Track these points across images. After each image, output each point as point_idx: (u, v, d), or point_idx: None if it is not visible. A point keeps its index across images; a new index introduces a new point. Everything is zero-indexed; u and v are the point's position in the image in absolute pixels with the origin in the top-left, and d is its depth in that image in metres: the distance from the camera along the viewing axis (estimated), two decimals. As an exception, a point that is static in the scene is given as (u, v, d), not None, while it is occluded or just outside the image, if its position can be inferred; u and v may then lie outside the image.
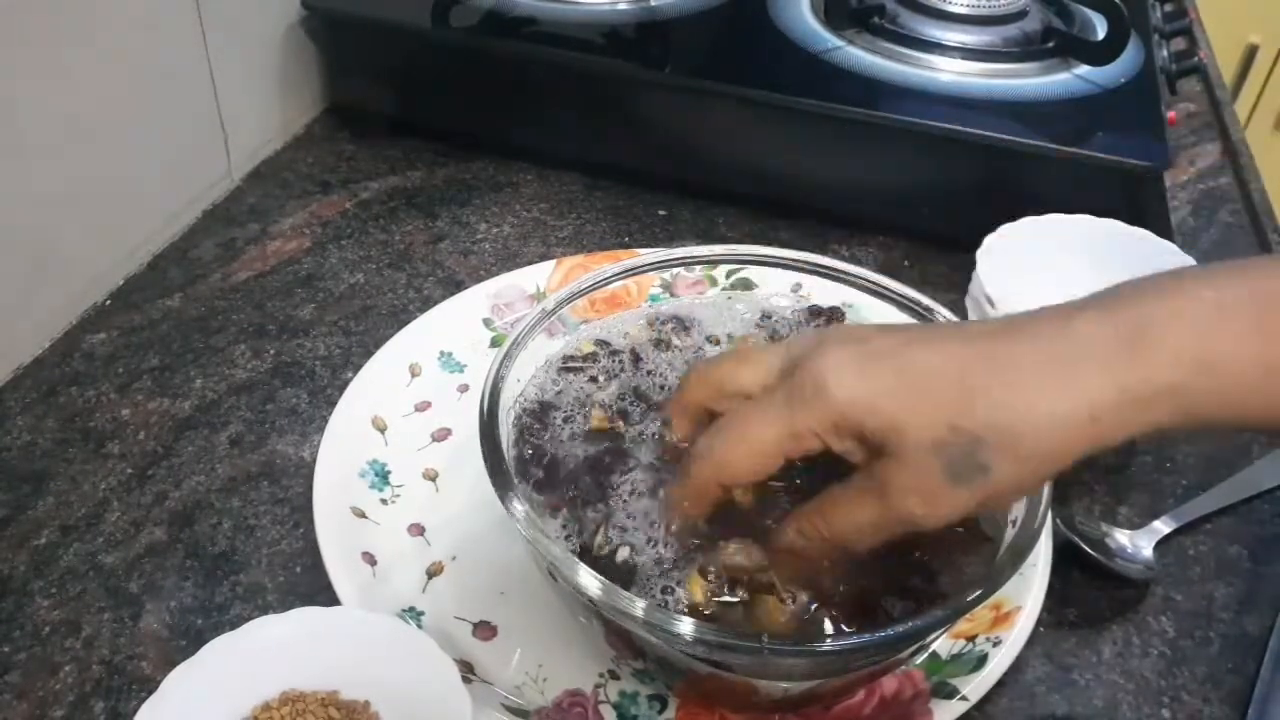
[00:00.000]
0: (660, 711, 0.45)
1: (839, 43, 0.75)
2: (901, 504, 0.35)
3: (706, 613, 0.39)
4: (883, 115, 0.68)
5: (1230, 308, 0.34)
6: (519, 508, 0.39)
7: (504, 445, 0.43)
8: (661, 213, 0.76)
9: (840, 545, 0.38)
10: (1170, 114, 0.70)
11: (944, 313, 0.47)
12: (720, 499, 0.39)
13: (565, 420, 0.46)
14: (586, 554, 0.40)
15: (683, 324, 0.50)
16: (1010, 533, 0.40)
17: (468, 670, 0.45)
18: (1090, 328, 0.34)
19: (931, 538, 0.40)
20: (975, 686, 0.44)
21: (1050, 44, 0.74)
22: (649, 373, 0.48)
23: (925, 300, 0.48)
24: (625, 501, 0.42)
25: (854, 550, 0.38)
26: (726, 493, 0.39)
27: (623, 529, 0.41)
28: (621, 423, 0.46)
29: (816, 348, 0.37)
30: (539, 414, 0.46)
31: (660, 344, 0.49)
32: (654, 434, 0.45)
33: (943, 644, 0.46)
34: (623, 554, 0.40)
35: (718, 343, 0.50)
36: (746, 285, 0.53)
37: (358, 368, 0.59)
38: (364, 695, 0.42)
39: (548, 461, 0.44)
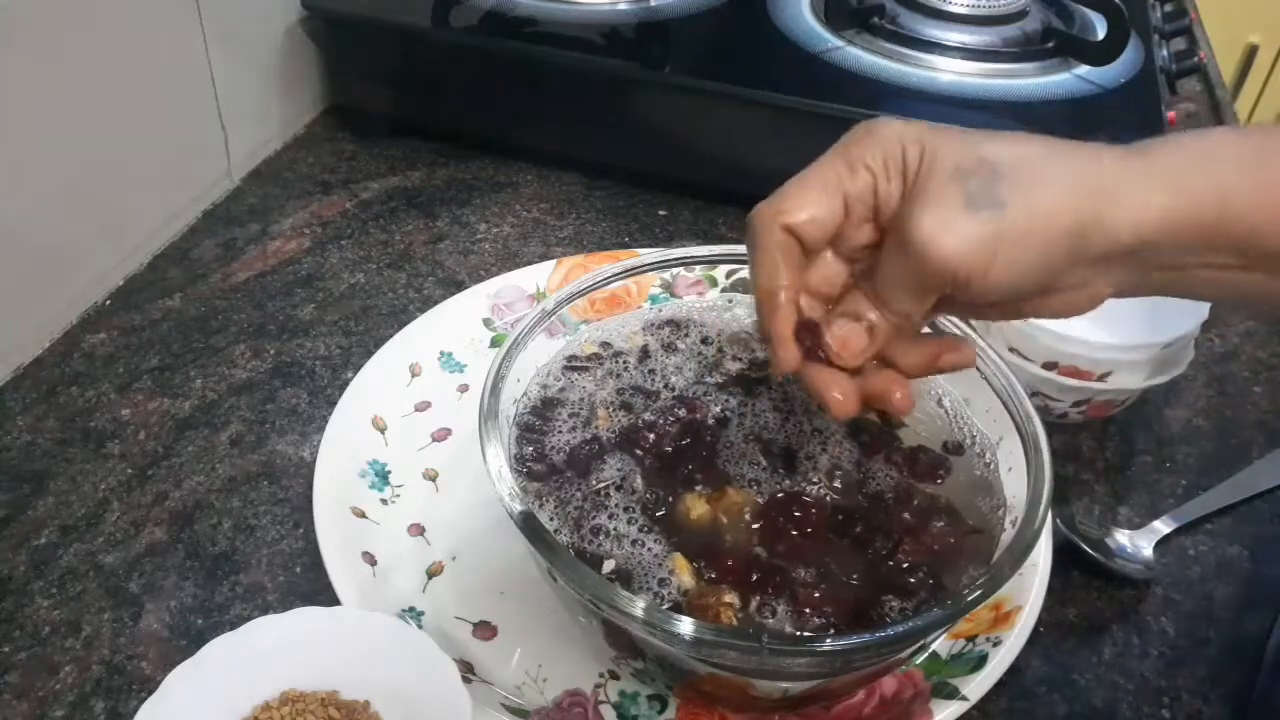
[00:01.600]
0: (660, 711, 0.45)
1: (839, 43, 0.75)
2: (922, 237, 0.35)
3: (704, 596, 0.39)
4: (883, 115, 0.68)
5: (1232, 144, 0.36)
6: (519, 508, 0.39)
7: (504, 445, 0.43)
8: (661, 213, 0.76)
9: (882, 322, 0.38)
10: (1170, 114, 0.70)
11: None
12: (791, 248, 0.39)
13: (568, 417, 0.46)
14: (581, 557, 0.40)
15: (680, 327, 0.50)
16: (1010, 533, 0.40)
17: (468, 670, 0.45)
18: (1118, 149, 0.36)
19: (923, 538, 0.41)
20: (975, 686, 0.44)
21: (1050, 44, 0.74)
22: (651, 371, 0.48)
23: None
24: (616, 505, 0.42)
25: (903, 319, 0.38)
26: (788, 236, 0.39)
27: (609, 534, 0.41)
28: (624, 418, 0.46)
29: (862, 122, 0.39)
30: (540, 411, 0.46)
31: (666, 347, 0.49)
32: (652, 436, 0.45)
33: (943, 644, 0.46)
34: (607, 566, 0.40)
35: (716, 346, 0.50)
36: (746, 286, 0.53)
37: (358, 368, 0.59)
38: (364, 695, 0.42)
39: (546, 459, 0.44)
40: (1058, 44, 0.74)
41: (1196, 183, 0.35)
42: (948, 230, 0.35)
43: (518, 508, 0.39)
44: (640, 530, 0.41)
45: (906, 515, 0.42)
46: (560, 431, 0.45)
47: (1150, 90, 0.72)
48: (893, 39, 0.74)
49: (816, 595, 0.39)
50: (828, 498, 0.43)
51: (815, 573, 0.40)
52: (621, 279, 0.50)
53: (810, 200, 0.38)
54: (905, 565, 0.40)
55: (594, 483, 0.43)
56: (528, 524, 0.39)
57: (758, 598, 0.39)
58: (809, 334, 0.39)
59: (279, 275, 0.69)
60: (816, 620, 0.38)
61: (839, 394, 0.39)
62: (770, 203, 0.39)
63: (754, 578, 0.39)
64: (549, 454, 0.45)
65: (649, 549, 0.41)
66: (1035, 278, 0.36)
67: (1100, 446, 0.59)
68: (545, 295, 0.63)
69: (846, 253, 0.39)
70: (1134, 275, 0.37)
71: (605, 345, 0.49)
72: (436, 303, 0.63)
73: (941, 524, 0.42)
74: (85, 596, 0.49)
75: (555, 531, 0.41)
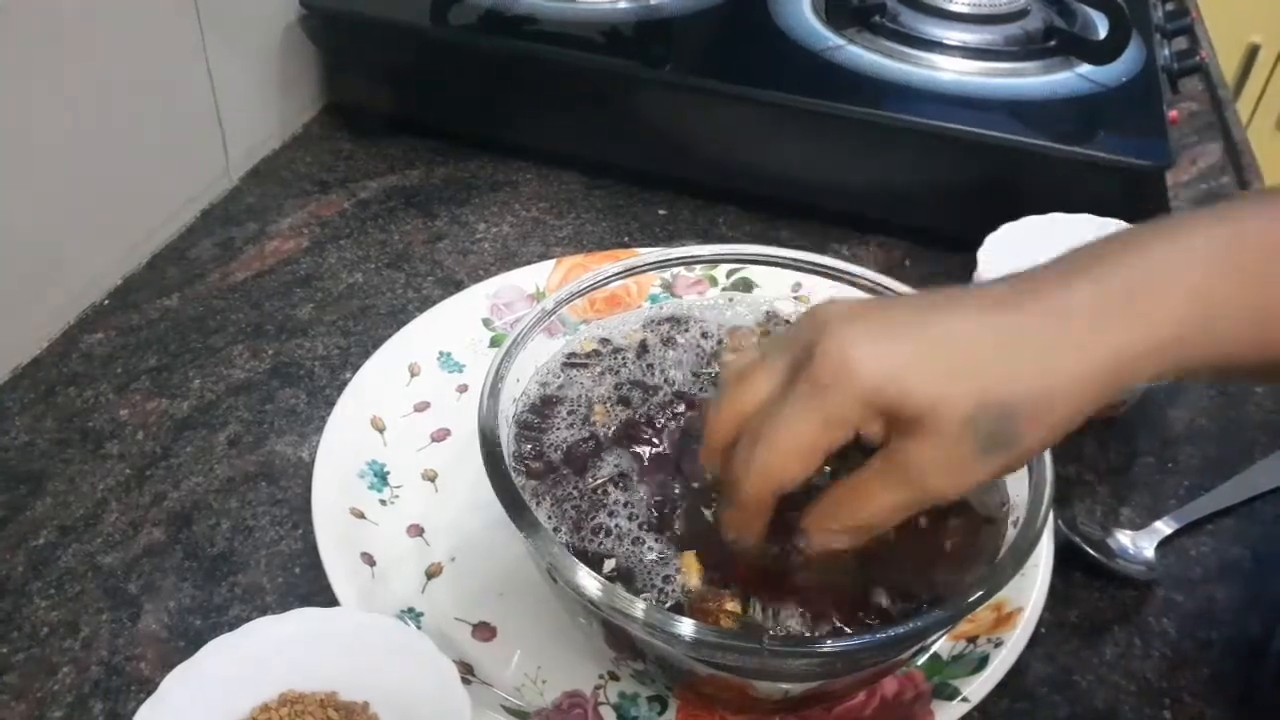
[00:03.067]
0: (660, 713, 0.45)
1: (840, 41, 0.74)
2: (925, 480, 0.35)
3: (705, 600, 0.39)
4: (883, 114, 0.68)
5: (1221, 257, 0.35)
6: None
7: (504, 445, 0.43)
8: (661, 213, 0.76)
9: (863, 533, 0.38)
10: (1172, 113, 0.70)
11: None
12: (772, 509, 0.38)
13: (567, 414, 0.46)
14: (582, 557, 0.40)
15: (679, 323, 0.50)
16: (1012, 533, 0.40)
17: (467, 671, 0.45)
18: (1090, 288, 0.35)
19: (935, 537, 0.40)
20: (976, 688, 0.44)
21: (1052, 43, 0.74)
22: (649, 366, 0.48)
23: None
24: (616, 502, 0.42)
25: (874, 536, 0.38)
26: (778, 501, 0.38)
27: (609, 532, 0.41)
28: (622, 413, 0.45)
29: (824, 330, 0.36)
30: (539, 409, 0.46)
31: (666, 342, 0.49)
32: (651, 431, 0.45)
33: (944, 645, 0.46)
34: (608, 565, 0.40)
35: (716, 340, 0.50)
36: (746, 285, 0.53)
37: (356, 368, 0.58)
38: (363, 696, 0.42)
39: (544, 457, 0.44)
40: (1059, 43, 0.74)
41: (1196, 347, 0.35)
42: (964, 477, 0.35)
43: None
44: (641, 528, 0.41)
45: (921, 517, 0.42)
46: (559, 429, 0.45)
47: (1152, 89, 0.72)
48: (894, 38, 0.74)
49: (823, 600, 0.39)
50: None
51: (818, 577, 0.40)
52: (621, 279, 0.50)
53: (798, 468, 0.37)
54: (905, 566, 0.40)
55: (591, 480, 0.43)
56: (527, 525, 0.38)
57: (760, 604, 0.39)
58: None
59: (277, 275, 0.69)
60: (822, 628, 0.38)
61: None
62: (759, 469, 0.37)
63: (762, 583, 0.39)
64: (547, 451, 0.44)
65: (649, 547, 0.40)
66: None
67: (1102, 447, 0.59)
68: (545, 295, 0.63)
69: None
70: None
71: (604, 342, 0.49)
72: (435, 302, 0.63)
73: (957, 520, 0.41)
74: (83, 597, 0.49)
75: (554, 530, 0.41)
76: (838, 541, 0.38)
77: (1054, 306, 0.35)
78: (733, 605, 0.38)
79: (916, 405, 0.34)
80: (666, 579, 0.40)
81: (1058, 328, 0.35)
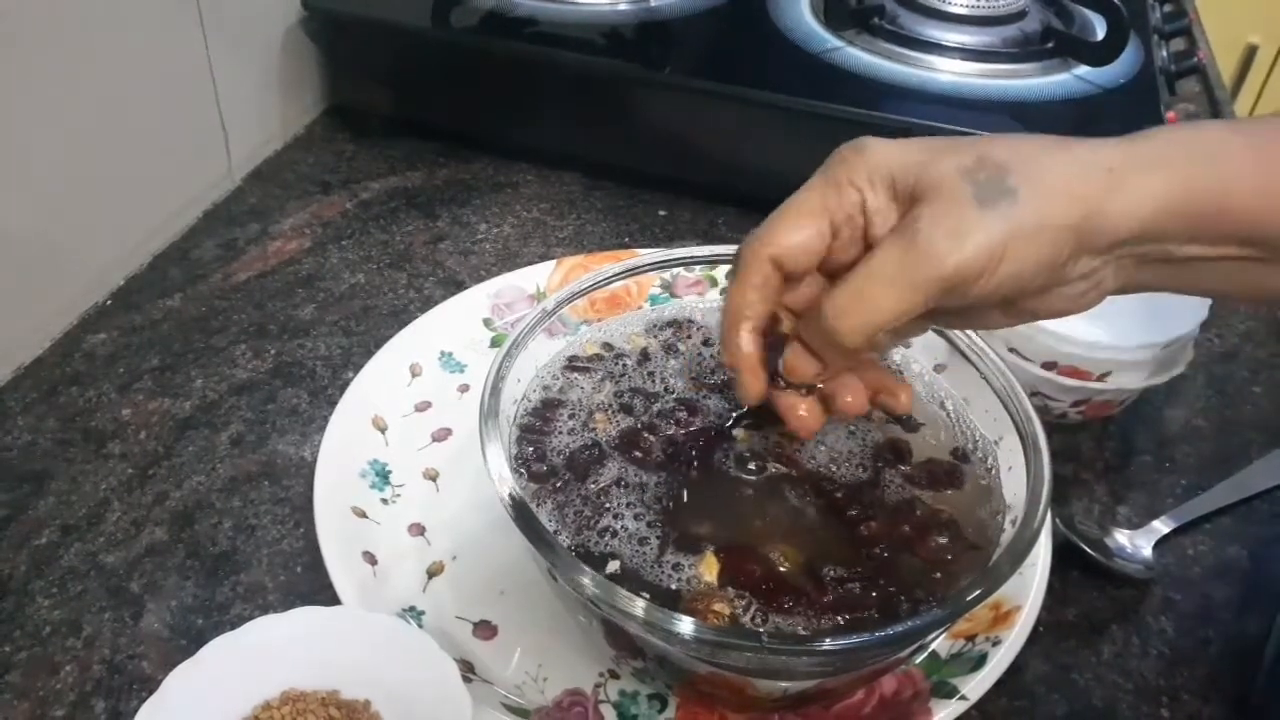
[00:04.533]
0: (660, 711, 0.45)
1: (839, 43, 0.75)
2: (926, 234, 0.34)
3: (692, 601, 0.39)
4: (883, 115, 0.68)
5: (1231, 134, 0.36)
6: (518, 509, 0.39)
7: (504, 445, 0.43)
8: (661, 213, 0.76)
9: (859, 317, 0.36)
10: (1170, 114, 0.70)
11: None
12: (771, 279, 0.38)
13: (568, 419, 0.46)
14: (586, 558, 0.40)
15: (681, 329, 0.50)
16: (1009, 533, 0.40)
17: (468, 670, 0.45)
18: (1099, 141, 0.36)
19: (920, 552, 0.41)
20: (975, 686, 0.44)
21: (1050, 44, 0.74)
22: (650, 374, 0.48)
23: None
24: (618, 503, 0.42)
25: (880, 333, 0.36)
26: (778, 270, 0.38)
27: (613, 533, 0.41)
28: (623, 421, 0.46)
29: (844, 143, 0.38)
30: (541, 412, 0.46)
31: (668, 349, 0.49)
32: (652, 441, 0.45)
33: (942, 644, 0.47)
34: (611, 566, 0.40)
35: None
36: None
37: (358, 368, 0.59)
38: (364, 695, 0.42)
39: (546, 460, 0.44)
40: (1057, 44, 0.74)
41: (1196, 170, 0.35)
42: (966, 235, 0.34)
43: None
44: (648, 526, 0.41)
45: (907, 528, 0.42)
46: (560, 433, 0.45)
47: (1149, 91, 0.72)
48: (892, 39, 0.74)
49: (824, 603, 0.39)
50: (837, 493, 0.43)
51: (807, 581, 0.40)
52: (621, 279, 0.50)
53: (796, 227, 0.38)
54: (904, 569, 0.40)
55: (592, 485, 0.43)
56: (527, 524, 0.39)
57: (755, 609, 0.39)
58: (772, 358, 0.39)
59: (279, 275, 0.69)
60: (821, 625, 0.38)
61: (803, 411, 0.40)
62: (757, 234, 0.39)
63: (766, 587, 0.39)
64: (549, 455, 0.45)
65: (652, 546, 0.41)
66: (1043, 273, 0.35)
67: (1099, 446, 0.59)
68: (545, 295, 0.63)
69: (831, 271, 0.39)
70: (1137, 269, 0.37)
71: (607, 346, 0.49)
72: (437, 303, 0.63)
73: (943, 540, 0.41)
74: (86, 596, 0.49)
75: (555, 533, 0.41)
76: (805, 363, 0.38)
77: (1076, 141, 0.36)
78: (720, 606, 0.38)
79: (915, 167, 0.36)
80: (670, 573, 0.40)
81: (1070, 143, 0.36)
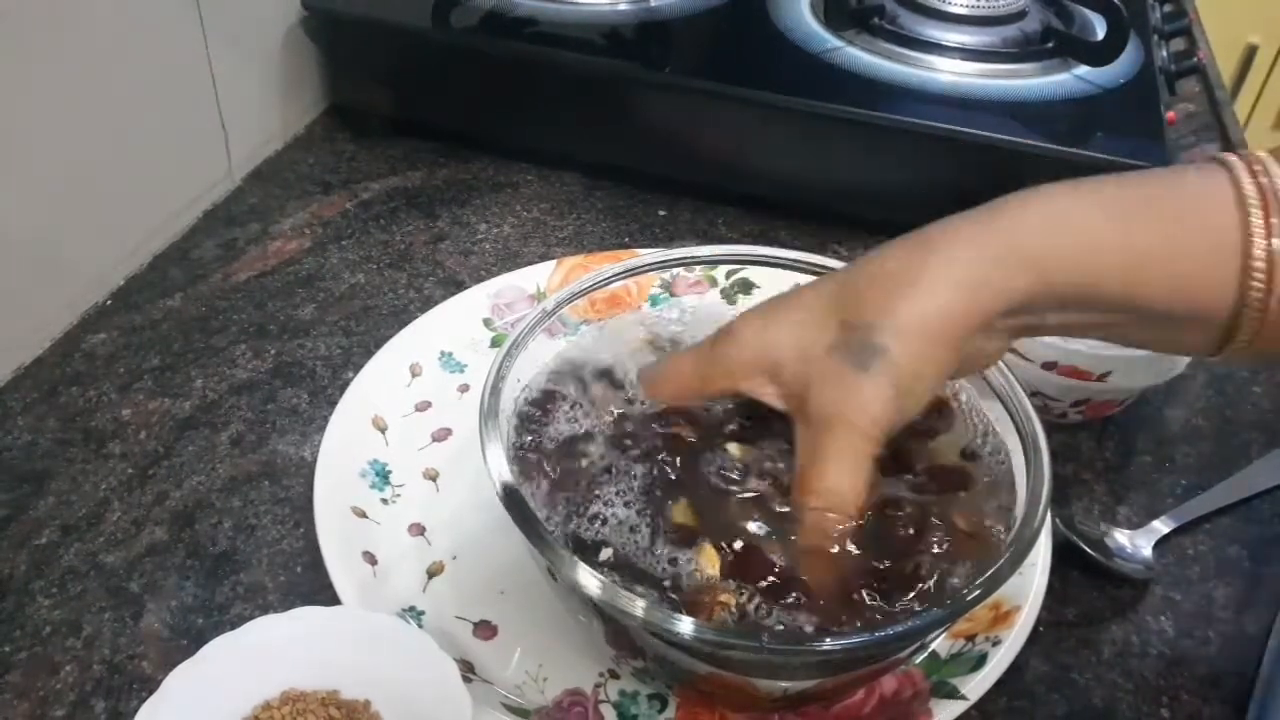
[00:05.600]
0: (660, 711, 0.45)
1: (839, 43, 0.75)
2: (830, 414, 0.37)
3: (697, 594, 0.39)
4: (882, 115, 0.68)
5: (1086, 198, 0.37)
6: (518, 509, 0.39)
7: (505, 445, 0.43)
8: (661, 213, 0.76)
9: (835, 503, 0.39)
10: (1170, 114, 0.70)
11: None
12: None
13: (569, 408, 0.46)
14: (580, 548, 0.40)
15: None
16: (1010, 532, 0.40)
17: (468, 670, 0.46)
18: (949, 224, 0.38)
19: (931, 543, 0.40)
20: (975, 686, 0.44)
21: (1049, 44, 0.74)
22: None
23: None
24: (610, 491, 0.42)
25: (855, 506, 0.39)
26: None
27: (605, 521, 0.41)
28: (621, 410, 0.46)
29: (734, 319, 0.41)
30: (541, 402, 0.46)
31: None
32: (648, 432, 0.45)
33: (942, 643, 0.47)
34: (605, 554, 0.40)
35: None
36: (746, 286, 0.53)
37: (358, 368, 0.59)
38: (364, 695, 0.42)
39: (541, 448, 0.44)
40: (1057, 44, 0.74)
41: (1063, 266, 0.36)
42: (856, 396, 0.37)
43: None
44: (638, 515, 0.41)
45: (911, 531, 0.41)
46: (559, 422, 0.45)
47: (1149, 90, 0.72)
48: (892, 39, 0.74)
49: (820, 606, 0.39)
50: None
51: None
52: (621, 279, 0.50)
53: (672, 392, 0.44)
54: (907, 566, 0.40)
55: (586, 468, 0.43)
56: (521, 516, 0.39)
57: (757, 599, 0.39)
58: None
59: (279, 275, 0.69)
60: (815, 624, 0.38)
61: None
62: (644, 377, 0.45)
63: (766, 583, 0.39)
64: (545, 444, 0.44)
65: (644, 535, 0.40)
66: (939, 383, 0.39)
67: (1099, 446, 0.59)
68: (545, 295, 0.63)
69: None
70: (1017, 332, 0.39)
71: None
72: (437, 303, 0.63)
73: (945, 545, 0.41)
74: (86, 596, 0.49)
75: (547, 519, 0.41)
76: (823, 521, 0.39)
77: (908, 246, 0.38)
78: (726, 598, 0.38)
79: (792, 362, 0.39)
80: (664, 568, 0.39)
81: (912, 254, 0.38)
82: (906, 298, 0.37)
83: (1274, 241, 0.35)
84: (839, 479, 0.38)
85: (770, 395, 0.40)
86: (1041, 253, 0.36)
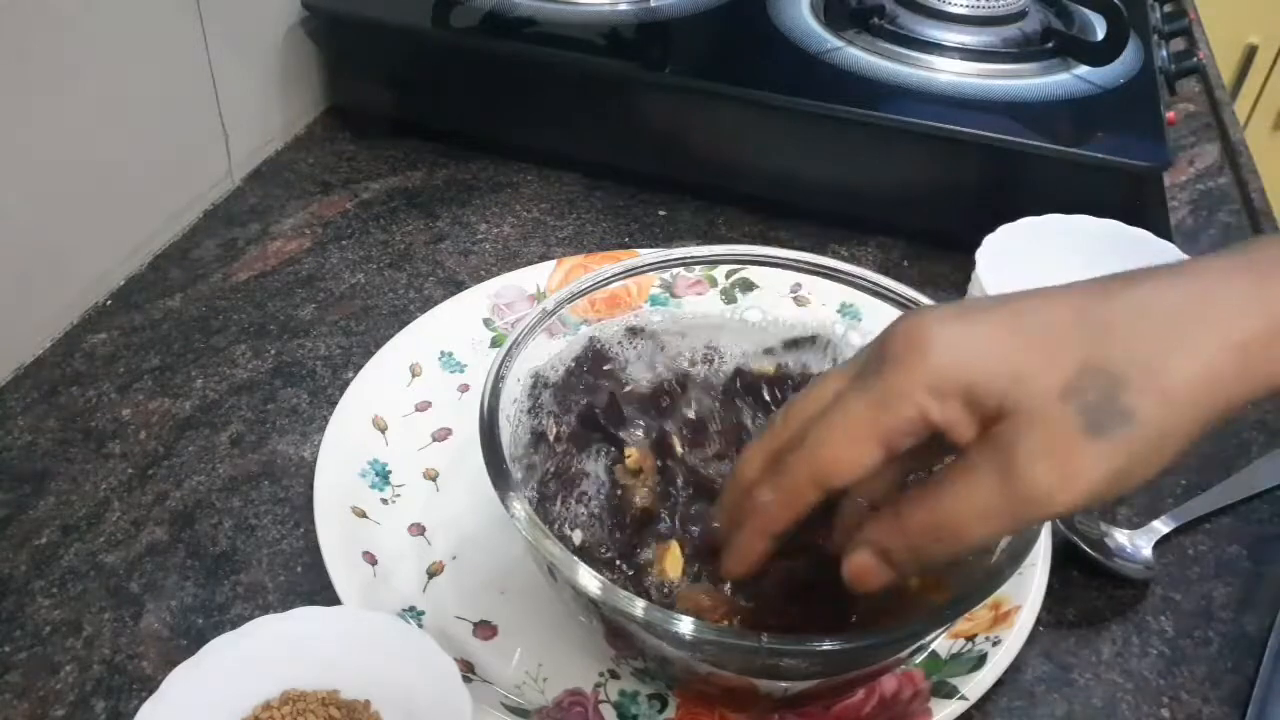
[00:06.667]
0: (660, 711, 0.45)
1: (839, 43, 0.75)
2: (1029, 472, 0.29)
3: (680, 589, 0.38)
4: (882, 115, 0.68)
5: None
6: (519, 508, 0.40)
7: (504, 445, 0.43)
8: (661, 213, 0.76)
9: (944, 545, 0.31)
10: (1170, 114, 0.70)
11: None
12: (805, 510, 0.33)
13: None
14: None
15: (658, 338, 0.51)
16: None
17: (468, 670, 0.45)
18: (1220, 263, 0.30)
19: None
20: (974, 686, 0.44)
21: (1049, 44, 0.74)
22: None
23: (925, 301, 0.48)
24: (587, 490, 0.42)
25: (960, 551, 0.31)
26: (821, 495, 0.33)
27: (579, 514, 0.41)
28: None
29: (900, 320, 0.32)
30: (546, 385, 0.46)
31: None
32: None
33: (942, 643, 0.47)
34: (576, 538, 0.40)
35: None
36: (746, 286, 0.53)
37: (358, 368, 0.59)
38: (364, 695, 0.42)
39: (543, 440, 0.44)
40: (1057, 44, 0.74)
41: None
42: (1074, 468, 0.29)
43: (518, 508, 0.39)
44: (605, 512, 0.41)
45: None
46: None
47: (1149, 91, 0.72)
48: (892, 39, 0.74)
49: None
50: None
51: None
52: (621, 279, 0.50)
53: (850, 457, 0.31)
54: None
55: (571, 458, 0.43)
56: (527, 523, 0.39)
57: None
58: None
59: (279, 275, 0.69)
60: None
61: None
62: (807, 457, 0.32)
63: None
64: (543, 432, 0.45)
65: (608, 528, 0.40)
66: (1176, 461, 0.31)
67: (1100, 446, 0.59)
68: (545, 295, 0.63)
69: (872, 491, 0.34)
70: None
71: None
72: (437, 303, 0.63)
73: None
74: (86, 596, 0.49)
75: (536, 505, 0.41)
76: (936, 559, 0.32)
77: (1171, 278, 0.30)
78: (711, 602, 0.38)
79: (997, 379, 0.29)
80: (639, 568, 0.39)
81: (1177, 296, 0.29)
82: (1176, 352, 0.29)
83: None
84: (974, 529, 0.30)
85: (957, 425, 0.31)
86: None
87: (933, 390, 0.30)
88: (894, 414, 0.30)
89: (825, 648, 0.37)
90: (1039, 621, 0.48)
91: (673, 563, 0.40)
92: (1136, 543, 0.53)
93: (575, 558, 0.38)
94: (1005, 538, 0.33)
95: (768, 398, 0.49)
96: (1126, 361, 0.29)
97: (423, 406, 0.58)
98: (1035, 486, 0.29)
